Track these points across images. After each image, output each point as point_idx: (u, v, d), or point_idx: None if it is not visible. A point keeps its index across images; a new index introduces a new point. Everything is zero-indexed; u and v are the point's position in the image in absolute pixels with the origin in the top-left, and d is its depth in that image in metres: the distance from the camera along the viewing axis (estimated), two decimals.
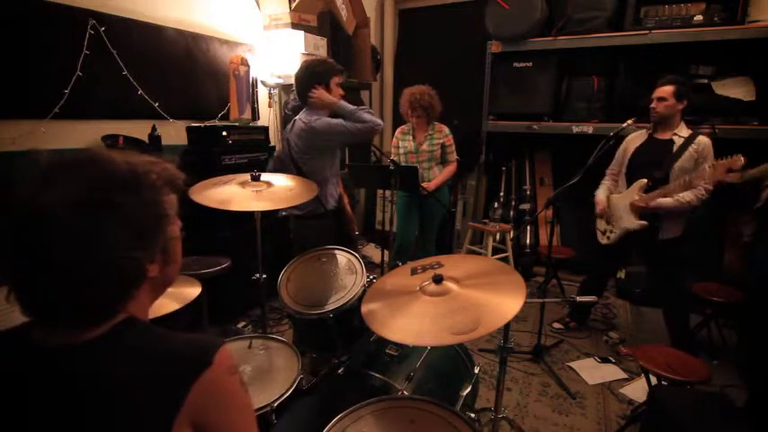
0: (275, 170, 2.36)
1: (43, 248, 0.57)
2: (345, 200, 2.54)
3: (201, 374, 0.61)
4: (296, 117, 2.29)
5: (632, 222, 2.46)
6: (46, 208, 0.57)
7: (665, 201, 2.34)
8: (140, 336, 0.65)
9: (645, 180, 2.42)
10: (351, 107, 2.15)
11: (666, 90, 2.37)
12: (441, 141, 3.12)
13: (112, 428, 0.58)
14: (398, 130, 3.30)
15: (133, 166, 0.66)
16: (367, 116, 2.12)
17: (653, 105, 2.43)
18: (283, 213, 2.67)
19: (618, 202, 2.58)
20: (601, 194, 2.74)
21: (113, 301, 0.64)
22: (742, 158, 2.09)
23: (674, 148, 2.38)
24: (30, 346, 0.62)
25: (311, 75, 2.20)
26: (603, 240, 2.71)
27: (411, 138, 3.19)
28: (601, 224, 2.73)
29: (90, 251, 0.59)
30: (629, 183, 2.55)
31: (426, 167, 3.14)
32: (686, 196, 2.29)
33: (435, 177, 3.13)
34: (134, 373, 0.60)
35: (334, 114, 2.27)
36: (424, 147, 3.13)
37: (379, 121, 2.15)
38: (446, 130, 3.17)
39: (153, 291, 0.72)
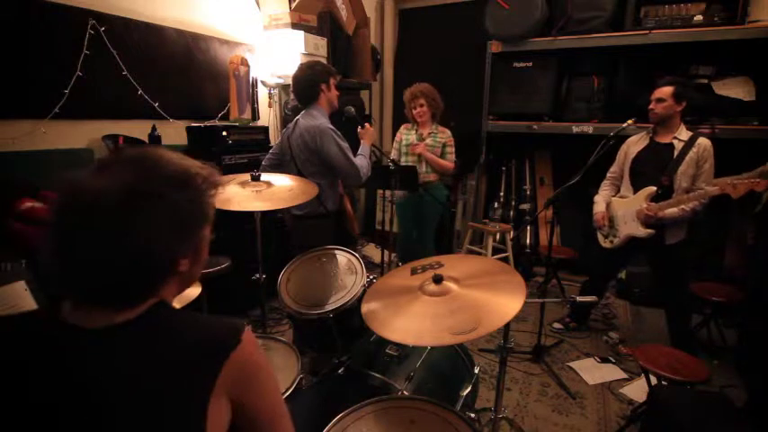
0: (272, 163, 2.38)
1: (88, 227, 0.62)
2: (346, 200, 2.54)
3: (233, 352, 0.66)
4: (296, 118, 2.29)
5: (638, 230, 2.44)
6: (96, 190, 0.62)
7: (671, 211, 2.33)
8: (174, 318, 0.70)
9: (654, 188, 2.40)
10: (368, 153, 2.28)
11: (665, 91, 2.36)
12: (443, 141, 3.17)
13: (153, 403, 0.61)
14: (403, 126, 3.36)
15: (182, 166, 0.71)
16: (364, 170, 2.19)
17: (651, 107, 2.42)
18: (279, 215, 2.67)
19: (623, 207, 2.56)
20: (600, 205, 2.71)
21: (146, 287, 0.68)
22: (765, 183, 2.05)
23: (675, 154, 2.37)
24: (61, 325, 0.65)
25: (314, 74, 2.21)
26: (606, 244, 2.70)
27: (415, 132, 3.23)
28: (605, 227, 2.72)
29: (132, 236, 0.62)
30: (635, 187, 2.53)
31: (425, 160, 3.16)
32: (690, 203, 2.28)
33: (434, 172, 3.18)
34: (171, 351, 0.64)
35: (337, 118, 2.27)
36: (428, 141, 3.15)
37: (362, 174, 2.20)
38: (448, 132, 3.22)
39: (179, 285, 0.75)
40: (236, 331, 0.69)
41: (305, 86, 2.23)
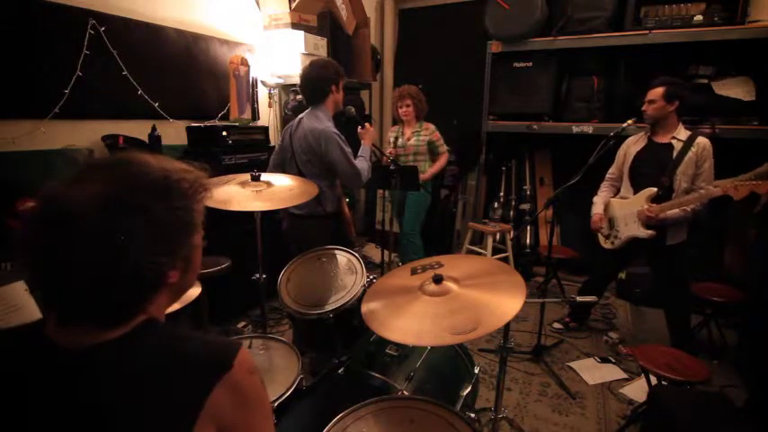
0: (276, 164, 2.37)
1: (66, 245, 0.57)
2: (344, 203, 2.54)
3: (222, 378, 0.62)
4: (300, 117, 2.28)
5: (640, 231, 2.44)
6: (73, 204, 0.57)
7: (673, 212, 2.33)
8: (161, 337, 0.65)
9: (655, 189, 2.39)
10: (368, 155, 2.28)
11: (656, 92, 2.37)
12: (427, 138, 3.33)
13: (134, 429, 0.58)
14: (390, 129, 3.59)
15: (167, 172, 0.66)
16: (365, 173, 2.20)
17: (643, 108, 2.43)
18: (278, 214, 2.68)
19: (623, 207, 2.56)
20: (598, 207, 2.72)
21: (133, 304, 0.64)
22: (766, 185, 2.06)
23: (674, 154, 2.37)
24: (47, 345, 0.61)
25: (326, 73, 2.20)
26: (607, 245, 2.70)
27: (400, 134, 3.42)
28: (604, 229, 2.72)
29: (113, 252, 0.58)
30: (635, 188, 2.53)
31: (411, 161, 3.33)
32: (691, 204, 2.28)
33: (423, 171, 3.29)
34: (155, 374, 0.60)
35: (338, 119, 2.28)
36: (411, 142, 3.34)
37: (363, 178, 2.20)
38: (432, 127, 3.37)
39: (170, 296, 0.72)
40: (228, 354, 0.64)
41: (315, 85, 2.20)
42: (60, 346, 0.60)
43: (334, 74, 2.21)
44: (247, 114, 3.38)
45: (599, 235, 2.76)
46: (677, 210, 2.32)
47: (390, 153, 3.32)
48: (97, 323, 0.62)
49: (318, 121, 2.17)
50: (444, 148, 3.39)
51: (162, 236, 0.63)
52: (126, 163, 0.65)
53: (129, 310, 0.64)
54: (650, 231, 2.41)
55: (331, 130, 2.13)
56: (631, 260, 2.85)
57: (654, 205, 2.38)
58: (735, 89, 3.09)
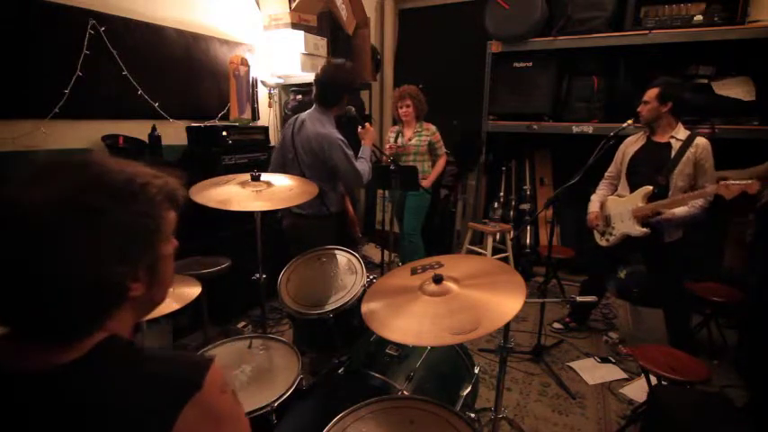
0: (277, 164, 2.37)
1: (14, 249, 0.53)
2: (348, 202, 2.54)
3: (191, 398, 0.57)
4: (302, 118, 2.28)
5: (634, 229, 2.45)
6: (23, 207, 0.53)
7: (680, 210, 2.32)
8: (123, 358, 0.60)
9: (650, 188, 2.39)
10: (368, 156, 2.30)
11: (651, 93, 2.38)
12: (428, 138, 3.32)
13: None
14: (389, 130, 3.57)
15: (130, 175, 0.61)
16: (366, 174, 2.21)
17: (638, 109, 2.44)
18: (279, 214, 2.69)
19: (619, 205, 2.56)
20: (595, 205, 2.73)
21: (90, 318, 0.59)
22: (757, 185, 2.06)
23: (673, 153, 2.37)
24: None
25: (349, 81, 2.23)
26: (602, 242, 2.71)
27: (401, 134, 3.41)
28: (599, 226, 2.73)
29: (66, 258, 0.54)
30: (631, 186, 2.54)
31: (411, 161, 3.32)
32: (698, 201, 2.28)
33: (424, 172, 3.31)
34: (118, 399, 0.56)
35: (338, 119, 2.28)
36: (412, 142, 3.34)
37: (365, 180, 2.23)
38: (433, 128, 3.36)
39: (135, 311, 0.66)
40: (198, 372, 0.60)
41: (334, 87, 2.21)
42: (10, 369, 0.55)
43: (353, 84, 2.26)
44: (247, 114, 3.38)
45: (595, 232, 2.77)
46: (685, 208, 2.31)
47: (389, 149, 3.32)
48: (50, 341, 0.57)
49: (322, 125, 2.18)
50: (443, 150, 3.40)
51: (121, 243, 0.58)
52: (83, 165, 0.60)
53: (86, 325, 0.58)
54: (644, 229, 2.41)
55: (335, 135, 2.15)
56: (628, 258, 2.85)
57: (660, 201, 2.38)
58: (735, 89, 3.09)
